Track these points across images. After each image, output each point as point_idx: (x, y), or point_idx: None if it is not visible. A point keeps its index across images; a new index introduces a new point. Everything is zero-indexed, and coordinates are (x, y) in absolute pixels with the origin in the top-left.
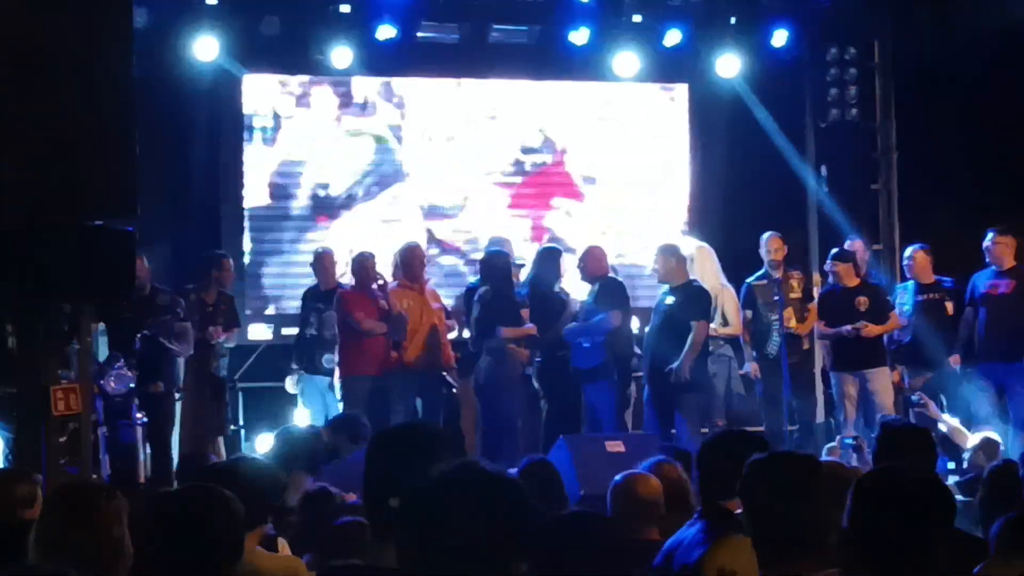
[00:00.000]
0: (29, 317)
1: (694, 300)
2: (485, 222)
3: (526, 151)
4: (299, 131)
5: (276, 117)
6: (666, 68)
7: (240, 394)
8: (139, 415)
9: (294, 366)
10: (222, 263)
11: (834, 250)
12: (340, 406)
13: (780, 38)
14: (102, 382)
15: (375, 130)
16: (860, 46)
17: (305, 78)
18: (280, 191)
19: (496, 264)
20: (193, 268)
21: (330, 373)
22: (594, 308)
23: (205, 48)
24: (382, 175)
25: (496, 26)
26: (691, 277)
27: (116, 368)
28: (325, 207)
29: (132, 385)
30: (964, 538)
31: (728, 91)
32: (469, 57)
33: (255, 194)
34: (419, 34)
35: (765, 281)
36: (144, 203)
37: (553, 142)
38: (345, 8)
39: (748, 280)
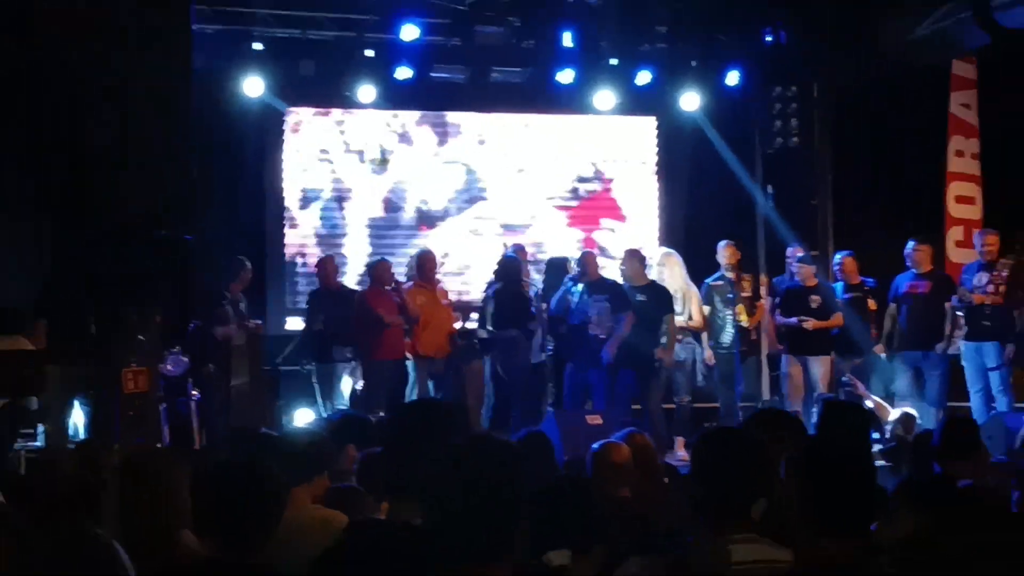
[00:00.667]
0: (105, 310)
1: (664, 298)
2: (548, 236)
3: (581, 180)
4: (404, 159)
5: (383, 150)
6: (638, 103)
7: (281, 376)
8: (194, 392)
9: (304, 362)
10: (248, 267)
11: (801, 254)
12: (360, 385)
13: (733, 78)
14: (161, 365)
15: (463, 159)
16: (801, 85)
17: (413, 114)
18: (392, 206)
19: (509, 266)
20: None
21: (347, 361)
22: (605, 307)
23: (252, 86)
24: (470, 196)
25: (496, 68)
26: (652, 278)
27: (173, 353)
28: (426, 219)
29: (186, 367)
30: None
31: (690, 123)
32: (473, 94)
33: (372, 208)
34: (431, 74)
35: (721, 282)
36: (202, 215)
37: (602, 172)
38: (369, 53)
39: (707, 280)
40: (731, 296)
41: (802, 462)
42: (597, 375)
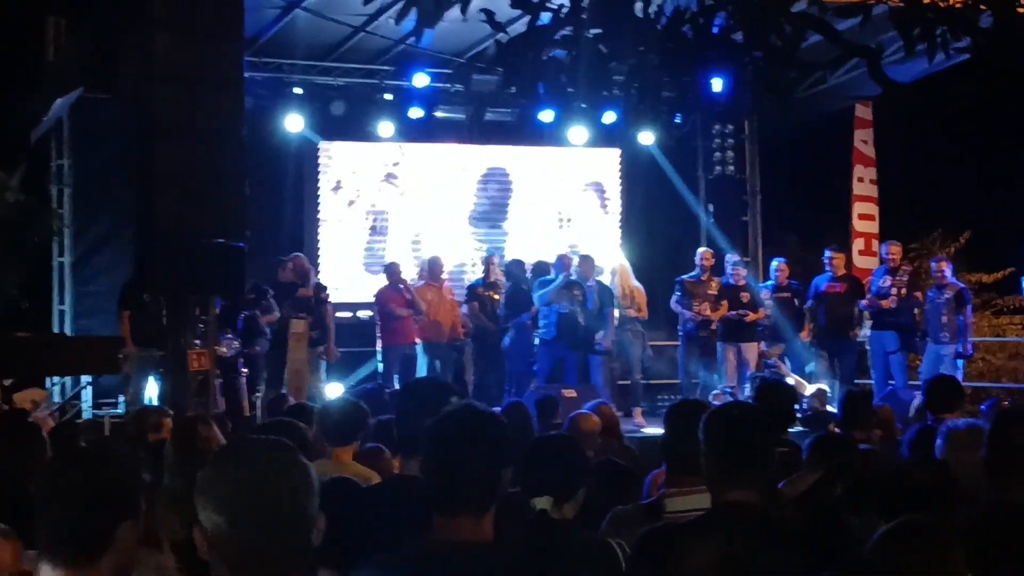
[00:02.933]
0: (174, 303)
1: (608, 293)
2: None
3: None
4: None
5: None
6: (605, 138)
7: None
8: (244, 370)
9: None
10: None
11: (735, 259)
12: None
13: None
14: (216, 348)
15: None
16: (735, 124)
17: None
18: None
19: (514, 270)
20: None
21: (316, 346)
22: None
23: (293, 123)
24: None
25: (490, 108)
26: (598, 278)
27: (226, 337)
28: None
29: (237, 349)
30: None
31: (647, 154)
32: (472, 130)
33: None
34: (438, 114)
35: (694, 280)
36: (252, 227)
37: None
38: (388, 96)
39: (682, 277)
40: (679, 291)
41: (708, 428)
42: (573, 356)
